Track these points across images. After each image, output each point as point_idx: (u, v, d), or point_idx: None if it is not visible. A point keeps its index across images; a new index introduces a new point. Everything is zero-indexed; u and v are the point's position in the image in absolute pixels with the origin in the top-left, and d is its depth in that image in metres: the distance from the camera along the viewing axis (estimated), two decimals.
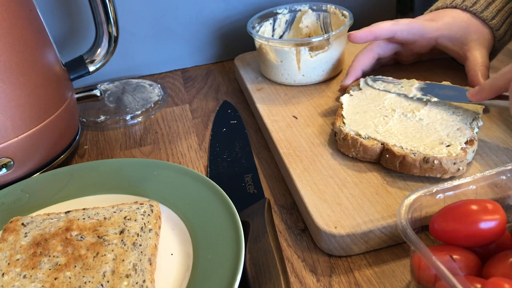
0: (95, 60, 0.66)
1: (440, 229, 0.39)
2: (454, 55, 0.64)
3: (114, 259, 0.42)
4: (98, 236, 0.44)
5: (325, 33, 0.74)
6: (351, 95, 0.60)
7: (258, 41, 0.69)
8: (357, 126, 0.54)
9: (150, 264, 0.42)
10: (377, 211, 0.46)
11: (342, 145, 0.54)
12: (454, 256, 0.37)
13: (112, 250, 0.43)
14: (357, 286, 0.43)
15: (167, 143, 0.66)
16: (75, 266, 0.42)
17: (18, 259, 0.43)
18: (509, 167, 0.42)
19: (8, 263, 0.43)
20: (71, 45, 0.76)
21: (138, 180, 0.53)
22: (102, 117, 0.71)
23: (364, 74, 0.64)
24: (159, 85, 0.78)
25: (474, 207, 0.39)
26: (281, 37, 0.76)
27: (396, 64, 0.71)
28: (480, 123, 0.53)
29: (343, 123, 0.55)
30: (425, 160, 0.48)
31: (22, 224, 0.47)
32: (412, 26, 0.61)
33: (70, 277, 0.41)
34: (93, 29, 0.65)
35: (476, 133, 0.52)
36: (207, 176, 0.55)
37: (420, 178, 0.50)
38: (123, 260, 0.42)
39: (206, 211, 0.48)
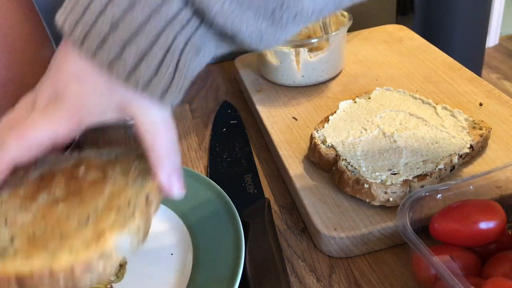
0: None
1: (440, 229, 0.39)
2: None
3: (111, 194, 0.40)
4: (103, 174, 0.43)
5: (325, 33, 0.74)
6: (355, 102, 0.60)
7: None
8: (331, 132, 0.54)
9: (146, 200, 0.39)
10: (377, 213, 0.46)
11: (309, 147, 0.54)
12: (454, 256, 0.37)
13: (112, 186, 0.41)
14: (357, 286, 0.43)
15: None
16: (71, 201, 0.40)
17: (20, 192, 0.42)
18: (509, 167, 0.42)
19: (10, 195, 0.42)
20: None
21: None
22: None
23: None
24: None
25: (474, 207, 0.39)
26: None
27: (399, 69, 0.71)
28: (455, 161, 0.49)
29: (323, 126, 0.55)
30: (357, 181, 0.47)
31: (35, 162, 0.45)
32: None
33: (62, 210, 0.40)
34: None
35: (439, 169, 0.48)
36: (207, 176, 0.55)
37: None
38: (119, 195, 0.40)
39: (206, 211, 0.48)
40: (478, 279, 0.36)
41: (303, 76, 0.68)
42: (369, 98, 0.60)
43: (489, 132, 0.52)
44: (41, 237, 0.37)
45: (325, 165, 0.52)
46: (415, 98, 0.59)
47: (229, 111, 0.70)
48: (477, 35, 0.91)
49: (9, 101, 0.53)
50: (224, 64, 0.84)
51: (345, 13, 0.70)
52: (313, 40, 0.65)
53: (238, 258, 0.41)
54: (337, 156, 0.51)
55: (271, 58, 0.68)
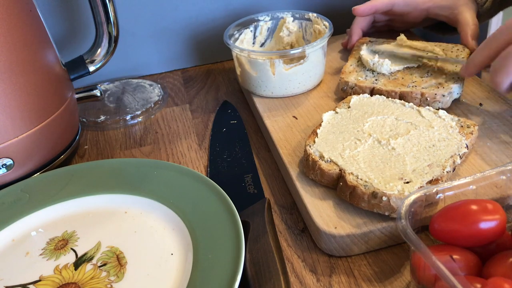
0: (95, 60, 0.66)
1: (440, 229, 0.39)
2: (445, 20, 0.72)
3: None
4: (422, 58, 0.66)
5: (307, 42, 0.72)
6: (336, 112, 0.57)
7: (234, 52, 0.67)
8: (325, 147, 0.52)
9: None
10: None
11: (305, 165, 0.52)
12: (454, 256, 0.37)
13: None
14: (357, 286, 0.43)
15: (167, 143, 0.66)
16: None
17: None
18: (509, 167, 0.42)
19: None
20: (71, 45, 0.76)
21: (138, 180, 0.53)
22: (102, 117, 0.71)
23: (364, 34, 0.75)
24: (159, 85, 0.78)
25: (474, 207, 0.39)
26: (262, 45, 0.74)
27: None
28: (458, 162, 0.49)
29: (314, 141, 0.53)
30: (374, 194, 0.44)
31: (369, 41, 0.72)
32: None
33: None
34: (93, 29, 0.65)
35: (447, 172, 0.47)
36: (207, 176, 0.55)
37: None
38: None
39: (206, 211, 0.48)
40: (478, 279, 0.36)
41: (279, 88, 0.66)
42: (348, 107, 0.58)
43: (476, 129, 0.52)
44: None
45: (328, 182, 0.49)
46: (395, 102, 0.57)
47: (229, 111, 0.70)
48: None
49: (9, 101, 0.53)
50: (224, 64, 0.84)
51: (326, 23, 0.68)
52: (287, 52, 0.63)
53: (238, 258, 0.41)
54: (341, 171, 0.49)
55: (249, 68, 0.66)
